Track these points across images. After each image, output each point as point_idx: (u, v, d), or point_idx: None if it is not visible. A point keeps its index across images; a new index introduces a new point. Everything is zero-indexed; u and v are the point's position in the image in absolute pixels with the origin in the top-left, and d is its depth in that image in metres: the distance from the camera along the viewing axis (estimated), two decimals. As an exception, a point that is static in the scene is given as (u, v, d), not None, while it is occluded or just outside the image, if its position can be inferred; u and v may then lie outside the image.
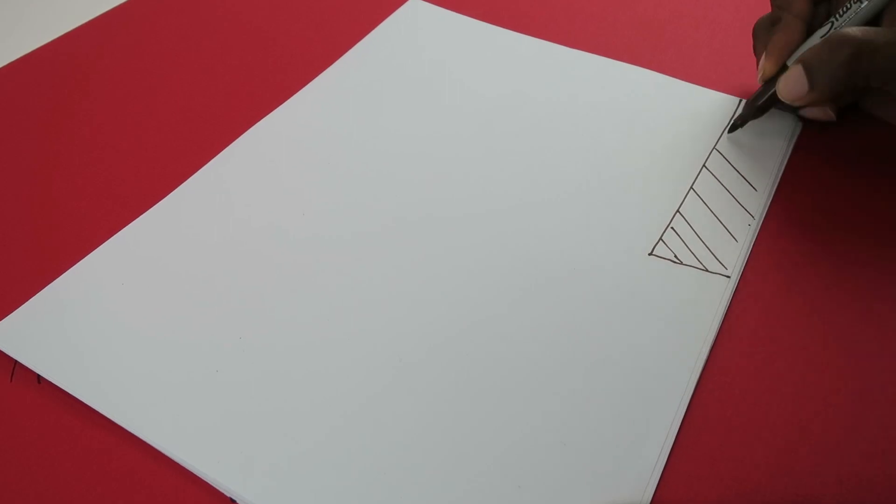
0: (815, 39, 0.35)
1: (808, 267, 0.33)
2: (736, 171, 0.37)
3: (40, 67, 0.45)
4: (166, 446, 0.27)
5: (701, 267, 0.32)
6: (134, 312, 0.31)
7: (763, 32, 0.38)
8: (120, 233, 0.35)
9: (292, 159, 0.38)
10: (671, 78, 0.42)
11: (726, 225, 0.34)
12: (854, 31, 0.32)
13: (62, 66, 0.45)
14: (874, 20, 0.35)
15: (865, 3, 0.34)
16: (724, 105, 0.40)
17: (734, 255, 0.33)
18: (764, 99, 0.37)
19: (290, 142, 0.39)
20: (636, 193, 0.36)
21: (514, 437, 0.27)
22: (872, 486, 0.26)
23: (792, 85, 0.34)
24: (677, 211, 0.35)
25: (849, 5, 0.35)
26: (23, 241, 0.35)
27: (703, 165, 0.37)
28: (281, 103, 0.41)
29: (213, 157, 0.38)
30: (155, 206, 0.36)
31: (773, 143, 0.38)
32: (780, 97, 0.35)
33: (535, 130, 0.39)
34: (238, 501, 0.26)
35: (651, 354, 0.29)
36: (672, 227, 0.34)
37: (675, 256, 0.33)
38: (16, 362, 0.30)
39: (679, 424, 0.27)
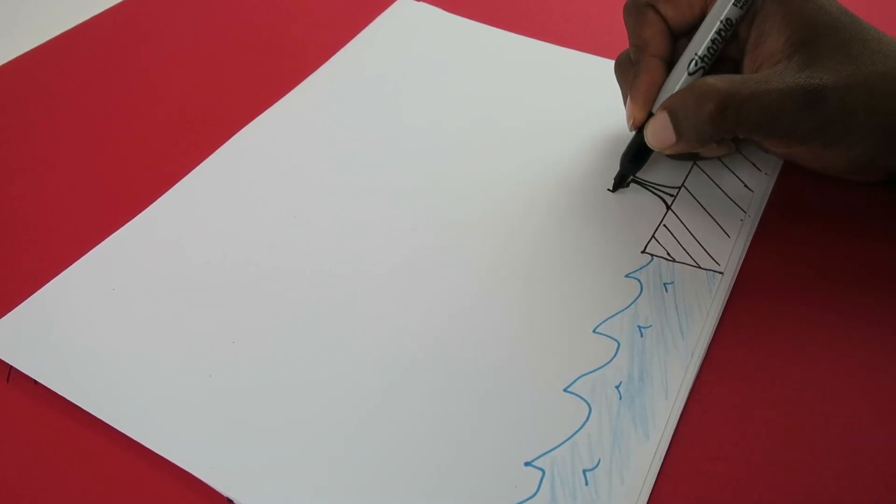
0: (681, 72, 0.33)
1: (807, 264, 0.33)
2: (727, 168, 0.37)
3: (35, 68, 0.45)
4: (162, 449, 0.27)
5: (694, 264, 0.33)
6: (126, 316, 0.31)
7: (624, 72, 0.35)
8: (111, 237, 0.34)
9: (282, 162, 0.38)
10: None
11: (718, 221, 0.34)
12: (718, 81, 0.30)
13: (55, 69, 0.45)
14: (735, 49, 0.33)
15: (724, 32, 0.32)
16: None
17: (727, 251, 0.33)
18: (635, 149, 0.34)
19: (279, 144, 0.39)
20: (629, 191, 0.36)
21: (514, 437, 0.27)
22: (869, 483, 0.26)
23: (659, 133, 0.32)
24: (669, 208, 0.35)
25: (716, 39, 0.32)
26: (17, 244, 0.35)
27: (694, 163, 0.37)
28: (270, 105, 0.41)
29: (202, 161, 0.38)
30: (144, 211, 0.36)
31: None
32: (649, 145, 0.33)
33: (527, 129, 0.39)
34: (235, 503, 0.26)
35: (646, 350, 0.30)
36: (664, 225, 0.34)
37: (668, 254, 0.33)
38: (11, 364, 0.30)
39: (675, 424, 0.28)
